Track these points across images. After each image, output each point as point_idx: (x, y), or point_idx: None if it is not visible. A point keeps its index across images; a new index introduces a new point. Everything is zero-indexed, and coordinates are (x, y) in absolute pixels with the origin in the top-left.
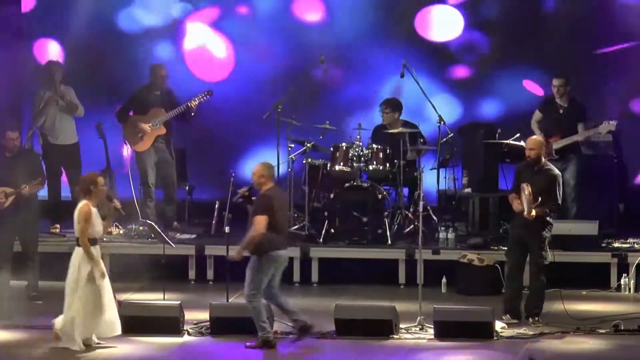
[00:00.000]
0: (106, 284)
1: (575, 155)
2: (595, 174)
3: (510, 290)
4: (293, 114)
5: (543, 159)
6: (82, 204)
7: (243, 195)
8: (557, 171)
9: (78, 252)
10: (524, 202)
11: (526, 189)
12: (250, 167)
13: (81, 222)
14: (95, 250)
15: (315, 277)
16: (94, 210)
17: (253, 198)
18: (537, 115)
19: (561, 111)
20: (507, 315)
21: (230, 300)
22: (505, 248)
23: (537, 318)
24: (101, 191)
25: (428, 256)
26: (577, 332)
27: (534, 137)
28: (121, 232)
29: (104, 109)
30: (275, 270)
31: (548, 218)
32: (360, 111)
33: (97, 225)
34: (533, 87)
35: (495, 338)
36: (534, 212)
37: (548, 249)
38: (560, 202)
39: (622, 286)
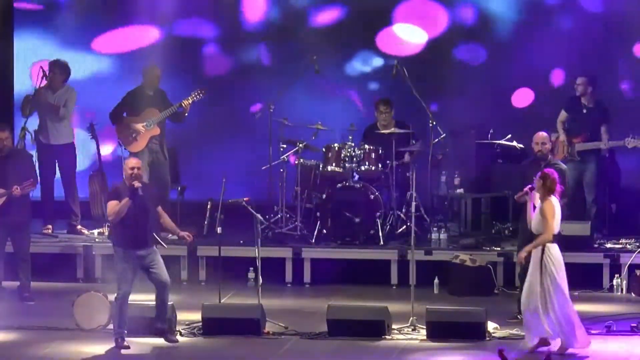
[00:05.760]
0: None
1: (595, 157)
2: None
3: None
4: (285, 114)
5: (549, 155)
6: None
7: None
8: (564, 165)
9: None
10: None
11: None
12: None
13: None
14: None
15: (307, 277)
16: None
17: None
18: (563, 115)
19: (584, 111)
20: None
21: (222, 301)
22: (498, 248)
23: None
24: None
25: (420, 257)
26: None
27: (541, 132)
28: None
29: None
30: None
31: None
32: (353, 111)
33: None
34: None
35: (487, 339)
36: None
37: None
38: (568, 196)
39: (615, 287)
